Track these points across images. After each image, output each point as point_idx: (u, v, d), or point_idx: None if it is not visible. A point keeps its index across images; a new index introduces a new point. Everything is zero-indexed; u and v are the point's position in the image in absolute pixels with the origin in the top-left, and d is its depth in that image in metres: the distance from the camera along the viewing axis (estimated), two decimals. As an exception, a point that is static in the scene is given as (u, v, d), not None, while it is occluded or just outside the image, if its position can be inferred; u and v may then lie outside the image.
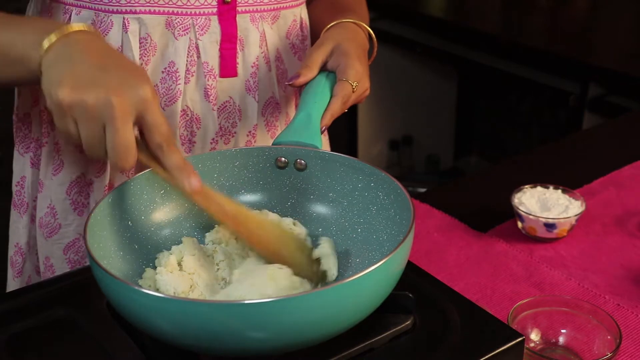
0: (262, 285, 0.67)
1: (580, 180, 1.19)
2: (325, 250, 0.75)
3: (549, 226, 1.02)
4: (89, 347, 0.68)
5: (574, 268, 0.99)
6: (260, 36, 0.96)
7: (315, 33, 1.05)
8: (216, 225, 0.77)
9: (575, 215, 1.03)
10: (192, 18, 0.91)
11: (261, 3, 0.95)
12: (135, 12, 0.89)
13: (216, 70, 0.94)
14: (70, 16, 0.91)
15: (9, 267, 1.07)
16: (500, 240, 1.05)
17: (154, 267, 0.73)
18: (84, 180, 0.97)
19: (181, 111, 0.94)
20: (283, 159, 0.81)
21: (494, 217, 1.10)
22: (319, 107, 0.86)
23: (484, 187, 1.23)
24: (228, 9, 0.92)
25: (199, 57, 0.93)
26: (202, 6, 0.91)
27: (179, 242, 0.75)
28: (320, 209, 0.81)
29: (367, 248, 0.76)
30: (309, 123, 0.84)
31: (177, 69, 0.92)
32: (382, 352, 0.67)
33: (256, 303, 0.57)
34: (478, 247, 1.04)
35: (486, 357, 0.66)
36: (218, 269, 0.73)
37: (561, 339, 0.82)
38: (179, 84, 0.93)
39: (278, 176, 0.82)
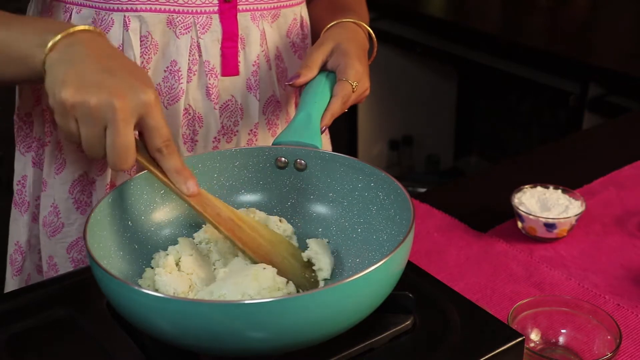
0: (245, 284, 0.67)
1: (580, 180, 1.19)
2: (315, 249, 0.75)
3: (549, 226, 1.02)
4: (89, 347, 0.68)
5: (574, 268, 0.99)
6: (260, 35, 0.96)
7: (315, 33, 1.05)
8: (203, 225, 0.77)
9: (575, 215, 1.03)
10: (193, 16, 0.91)
11: (261, 1, 0.95)
12: (135, 10, 0.89)
13: (218, 69, 0.94)
14: (70, 15, 0.91)
15: (8, 265, 1.07)
16: (500, 240, 1.05)
17: (153, 268, 0.73)
18: (87, 179, 0.97)
19: (183, 110, 0.94)
20: (283, 159, 0.81)
21: (494, 217, 1.10)
22: (319, 107, 0.86)
23: (484, 187, 1.23)
24: (229, 7, 0.92)
25: (200, 55, 0.93)
26: (203, 4, 0.91)
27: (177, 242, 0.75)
28: (320, 209, 0.81)
29: (367, 248, 0.76)
30: (309, 123, 0.84)
31: (179, 67, 0.92)
32: (382, 352, 0.67)
33: (256, 303, 0.57)
34: (478, 247, 1.04)
35: (486, 357, 0.66)
36: (215, 269, 0.73)
37: (561, 339, 0.82)
38: (182, 82, 0.93)
39: (278, 176, 0.82)
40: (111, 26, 0.89)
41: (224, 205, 0.74)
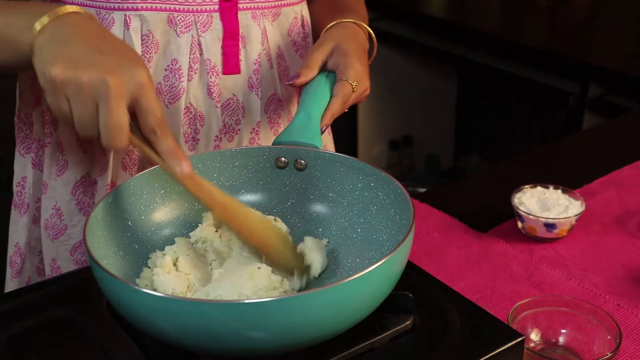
0: (240, 284, 0.67)
1: (580, 180, 1.19)
2: (309, 245, 0.75)
3: (549, 226, 1.02)
4: (89, 347, 0.68)
5: (574, 268, 0.99)
6: (261, 33, 0.96)
7: (315, 33, 1.05)
8: (200, 225, 0.77)
9: (575, 215, 1.03)
10: (193, 15, 0.91)
11: (262, 0, 0.95)
12: (136, 9, 0.89)
13: (219, 68, 0.94)
14: (71, 15, 0.91)
15: (7, 267, 1.07)
16: (500, 240, 1.05)
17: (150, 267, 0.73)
18: (89, 180, 0.97)
19: (184, 109, 0.94)
20: (283, 159, 0.81)
21: (494, 217, 1.10)
22: (319, 107, 0.86)
23: (484, 187, 1.23)
24: (229, 5, 0.92)
25: (201, 54, 0.93)
26: (204, 3, 0.91)
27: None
28: (320, 208, 0.81)
29: (367, 248, 0.76)
30: (309, 123, 0.84)
31: (180, 66, 0.92)
32: (382, 352, 0.67)
33: (256, 303, 0.57)
34: (478, 247, 1.04)
35: (486, 357, 0.66)
36: (212, 269, 0.73)
37: (561, 339, 0.82)
38: (182, 81, 0.93)
39: (278, 176, 0.82)
40: (112, 25, 0.89)
41: (217, 190, 0.74)
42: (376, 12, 2.45)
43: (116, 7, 0.89)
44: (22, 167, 1.02)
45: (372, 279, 0.61)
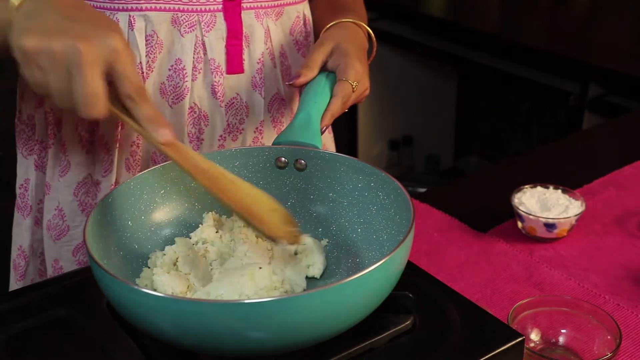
0: (241, 284, 0.67)
1: (580, 180, 1.19)
2: (309, 246, 0.75)
3: (549, 226, 1.02)
4: (89, 347, 0.68)
5: (574, 268, 0.99)
6: (265, 32, 0.96)
7: (315, 32, 1.06)
8: (200, 225, 0.77)
9: (575, 215, 1.03)
10: (197, 15, 0.91)
11: None
12: (140, 10, 0.89)
13: (223, 67, 0.94)
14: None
15: (11, 271, 1.07)
16: (500, 240, 1.05)
17: (150, 267, 0.73)
18: (91, 181, 0.97)
19: (189, 109, 0.94)
20: (283, 159, 0.81)
21: (494, 217, 1.10)
22: (319, 107, 0.86)
23: (484, 187, 1.23)
24: (233, 5, 0.92)
25: (205, 53, 0.93)
26: (207, 3, 0.91)
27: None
28: (320, 209, 0.81)
29: (367, 248, 0.76)
30: (309, 123, 0.84)
31: (184, 66, 0.92)
32: (382, 352, 0.67)
33: (256, 302, 0.57)
34: (478, 247, 1.04)
35: (486, 357, 0.66)
36: (212, 269, 0.73)
37: (561, 339, 0.82)
38: (186, 81, 0.93)
39: (278, 176, 0.82)
40: None
41: (202, 158, 0.72)
42: (376, 12, 2.45)
43: (120, 7, 0.89)
44: (25, 169, 1.01)
45: (372, 279, 0.61)
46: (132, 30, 0.89)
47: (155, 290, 0.69)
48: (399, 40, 2.50)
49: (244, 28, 0.94)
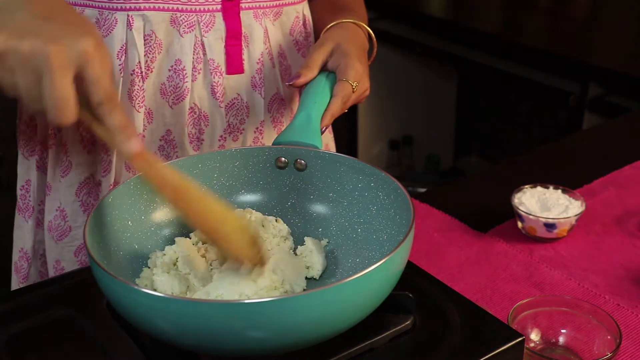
0: (241, 284, 0.67)
1: (580, 180, 1.19)
2: (309, 247, 0.75)
3: (549, 226, 1.02)
4: (89, 347, 0.68)
5: (574, 268, 0.99)
6: (263, 32, 0.96)
7: (315, 33, 1.06)
8: None
9: (575, 215, 1.03)
10: (196, 15, 0.91)
11: None
12: (139, 9, 0.89)
13: (222, 67, 0.94)
14: (73, 15, 0.91)
15: (13, 273, 1.07)
16: (500, 240, 1.05)
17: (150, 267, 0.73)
18: (93, 181, 0.97)
19: (189, 109, 0.94)
20: (283, 159, 0.81)
21: (494, 217, 1.10)
22: (319, 107, 0.86)
23: (484, 187, 1.23)
24: (232, 5, 0.92)
25: (204, 54, 0.93)
26: (206, 3, 0.91)
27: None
28: (320, 209, 0.81)
29: (367, 248, 0.76)
30: (309, 123, 0.84)
31: (184, 66, 0.92)
32: (382, 352, 0.67)
33: (256, 302, 0.57)
34: (478, 247, 1.04)
35: (486, 357, 0.66)
36: (212, 269, 0.73)
37: (561, 339, 0.82)
38: (186, 81, 0.93)
39: (278, 176, 0.82)
40: (115, 25, 0.89)
41: (172, 172, 0.69)
42: (376, 12, 2.45)
43: (119, 7, 0.89)
44: (26, 169, 1.01)
45: (372, 279, 0.61)
46: (131, 30, 0.89)
47: (155, 290, 0.69)
48: (399, 40, 2.50)
49: (243, 28, 0.94)
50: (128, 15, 0.89)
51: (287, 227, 0.79)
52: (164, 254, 0.73)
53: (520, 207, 1.04)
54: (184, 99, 0.93)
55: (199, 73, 0.93)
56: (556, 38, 2.22)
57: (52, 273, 1.01)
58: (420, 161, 2.92)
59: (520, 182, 1.09)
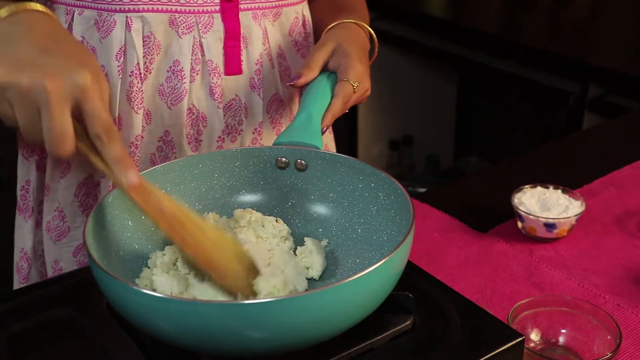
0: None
1: (580, 180, 1.19)
2: (309, 247, 0.75)
3: (549, 226, 1.02)
4: (89, 347, 0.68)
5: (574, 268, 0.99)
6: (262, 33, 0.96)
7: (316, 33, 1.05)
8: None
9: (575, 215, 1.03)
10: (195, 16, 0.91)
11: (262, 0, 0.95)
12: (137, 11, 0.89)
13: (221, 68, 0.94)
14: (72, 16, 0.91)
15: (14, 274, 1.06)
16: (500, 240, 1.05)
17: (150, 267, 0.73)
18: (92, 182, 0.97)
19: (187, 110, 0.94)
20: (283, 159, 0.81)
21: (494, 217, 1.10)
22: (320, 107, 0.86)
23: (484, 187, 1.23)
24: (230, 6, 0.92)
25: (203, 55, 0.93)
26: (205, 4, 0.91)
27: None
28: (321, 209, 0.81)
29: (367, 248, 0.76)
30: (310, 123, 0.84)
31: (182, 67, 0.92)
32: (382, 352, 0.67)
33: (256, 303, 0.57)
34: (478, 247, 1.04)
35: (486, 357, 0.66)
36: None
37: (561, 339, 0.82)
38: (185, 82, 0.93)
39: (278, 176, 0.82)
40: (113, 27, 0.89)
41: (169, 200, 0.70)
42: (376, 12, 2.45)
43: (117, 8, 0.89)
44: (26, 170, 1.01)
45: (372, 279, 0.61)
46: (130, 31, 0.89)
47: (154, 290, 0.69)
48: (399, 40, 2.50)
49: (241, 29, 0.94)
50: (127, 17, 0.89)
51: (287, 227, 0.79)
52: (164, 254, 0.73)
53: (520, 207, 1.04)
54: (182, 100, 0.93)
55: (198, 74, 0.93)
56: (556, 38, 2.22)
57: (50, 273, 1.01)
58: (420, 161, 2.92)
59: (520, 182, 1.09)
